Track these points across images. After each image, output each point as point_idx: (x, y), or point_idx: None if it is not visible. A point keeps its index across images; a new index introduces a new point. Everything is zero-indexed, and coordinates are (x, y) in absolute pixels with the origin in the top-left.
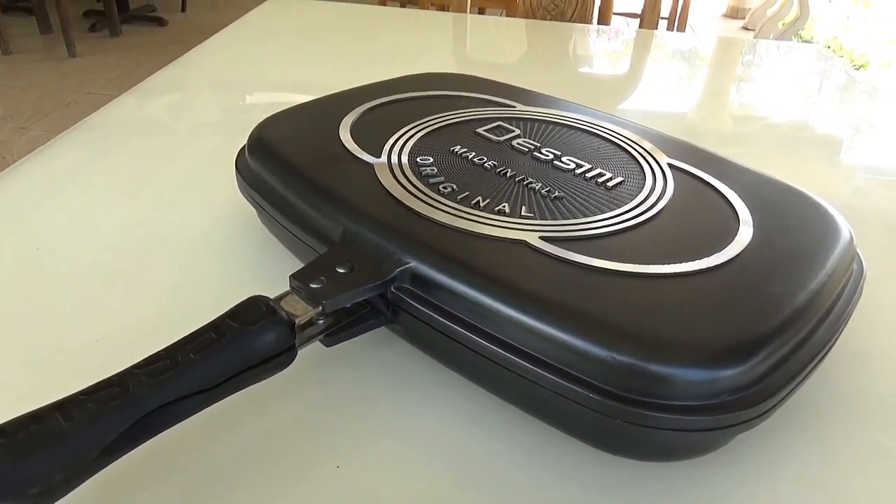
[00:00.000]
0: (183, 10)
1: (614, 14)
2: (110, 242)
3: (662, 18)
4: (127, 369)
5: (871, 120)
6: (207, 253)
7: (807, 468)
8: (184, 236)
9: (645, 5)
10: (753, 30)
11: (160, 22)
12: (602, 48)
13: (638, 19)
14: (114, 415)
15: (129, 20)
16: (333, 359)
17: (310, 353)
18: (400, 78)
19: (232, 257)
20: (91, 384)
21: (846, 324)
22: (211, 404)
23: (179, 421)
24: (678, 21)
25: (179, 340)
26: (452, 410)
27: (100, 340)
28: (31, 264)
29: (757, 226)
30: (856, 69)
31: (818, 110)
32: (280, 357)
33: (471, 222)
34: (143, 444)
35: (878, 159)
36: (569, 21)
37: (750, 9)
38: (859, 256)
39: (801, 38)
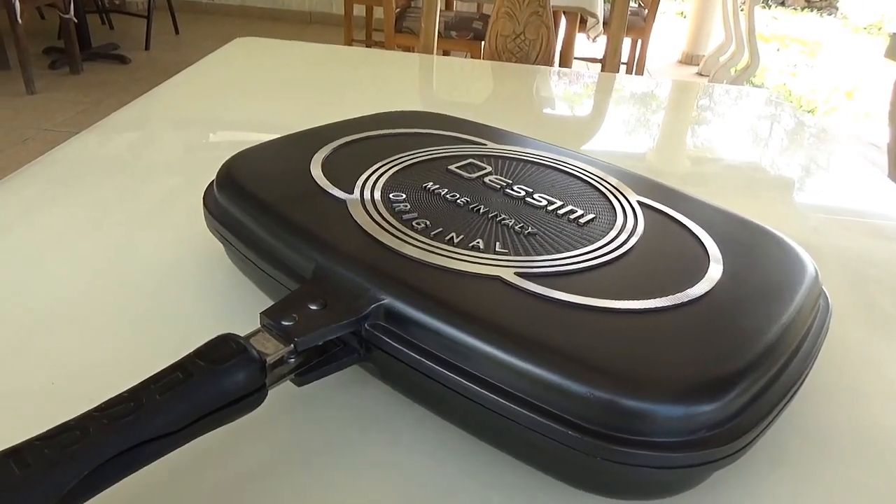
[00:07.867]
0: (146, 48)
1: (575, 59)
2: (71, 280)
3: (622, 63)
4: (87, 412)
5: (821, 162)
6: (173, 291)
7: None
8: (148, 274)
9: (607, 50)
10: (707, 76)
11: (123, 60)
12: (566, 90)
13: (596, 64)
14: (72, 461)
15: (90, 58)
16: (305, 398)
17: (280, 393)
18: (370, 116)
19: (199, 295)
20: (48, 429)
21: (816, 359)
22: (176, 448)
23: (142, 466)
24: (636, 66)
25: (144, 381)
26: (427, 451)
27: (57, 382)
28: None
29: (726, 263)
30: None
31: (772, 152)
32: (250, 397)
33: (445, 258)
34: (103, 492)
35: (832, 200)
36: (533, 63)
37: (703, 56)
38: (825, 293)
39: (752, 84)
